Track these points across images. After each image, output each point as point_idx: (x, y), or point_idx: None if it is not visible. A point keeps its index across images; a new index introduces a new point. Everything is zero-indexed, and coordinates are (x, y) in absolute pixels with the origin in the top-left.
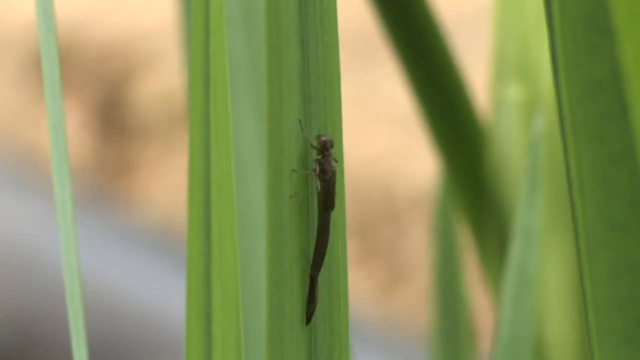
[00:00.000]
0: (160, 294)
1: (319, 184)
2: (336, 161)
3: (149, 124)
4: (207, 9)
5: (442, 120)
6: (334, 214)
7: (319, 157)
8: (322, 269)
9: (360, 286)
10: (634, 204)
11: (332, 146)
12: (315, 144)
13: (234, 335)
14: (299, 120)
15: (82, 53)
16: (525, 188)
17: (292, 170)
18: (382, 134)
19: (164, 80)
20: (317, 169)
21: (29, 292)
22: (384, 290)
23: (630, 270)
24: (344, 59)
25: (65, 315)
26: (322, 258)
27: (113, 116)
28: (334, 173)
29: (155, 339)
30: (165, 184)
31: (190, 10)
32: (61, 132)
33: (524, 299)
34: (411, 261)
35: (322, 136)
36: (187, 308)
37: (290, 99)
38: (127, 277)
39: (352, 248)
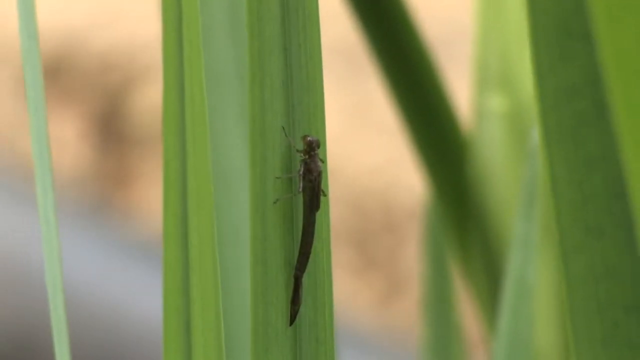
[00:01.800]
0: (158, 303)
1: (304, 184)
2: (322, 161)
3: (148, 135)
4: (180, 14)
5: (425, 131)
6: (318, 217)
7: (305, 157)
8: (306, 270)
9: (359, 296)
10: (609, 208)
11: (318, 146)
12: (301, 144)
13: (214, 343)
14: (283, 128)
15: (81, 64)
16: (523, 199)
17: (277, 177)
18: (381, 144)
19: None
20: (303, 169)
21: (28, 303)
22: (382, 300)
23: (607, 275)
24: (343, 69)
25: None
26: (307, 259)
27: (112, 127)
28: (319, 173)
29: (152, 350)
30: None
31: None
32: (44, 140)
33: (523, 309)
34: (410, 271)
35: (308, 136)
36: (164, 317)
37: (273, 107)
38: (125, 287)
39: (351, 258)
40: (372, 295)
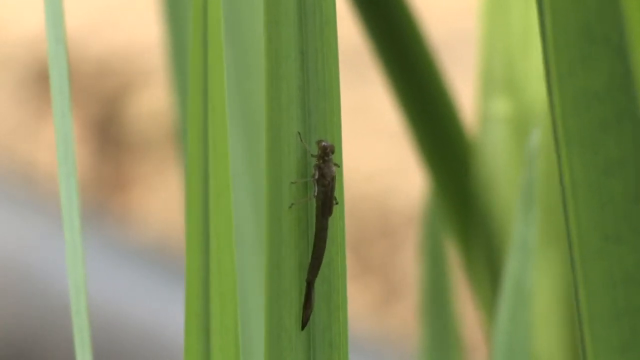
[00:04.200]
0: (156, 308)
1: (317, 189)
2: (337, 166)
3: (145, 140)
4: (205, 24)
5: (429, 136)
6: (331, 220)
7: (319, 162)
8: (319, 274)
9: (356, 301)
10: (628, 214)
11: (332, 151)
12: (315, 149)
13: (232, 348)
14: (298, 133)
15: (79, 69)
16: (522, 203)
17: (292, 182)
18: (378, 149)
19: (160, 96)
20: (317, 174)
21: (27, 309)
22: (379, 305)
23: (625, 281)
24: (341, 74)
25: (62, 331)
26: (319, 263)
27: (110, 132)
28: (333, 178)
29: (150, 353)
30: (161, 199)
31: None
32: (70, 147)
33: (521, 314)
34: (406, 276)
35: (323, 141)
36: (186, 321)
37: (290, 112)
38: (123, 292)
39: (348, 263)
40: (368, 300)
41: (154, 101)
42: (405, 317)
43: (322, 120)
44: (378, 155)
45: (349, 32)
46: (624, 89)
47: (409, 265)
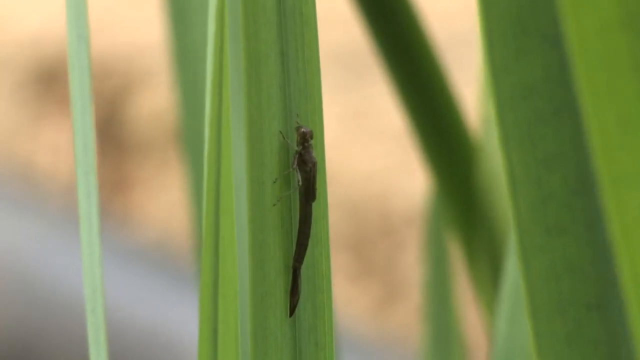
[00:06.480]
0: (155, 309)
1: (299, 175)
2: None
3: (146, 141)
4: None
5: (433, 136)
6: (317, 220)
7: (299, 148)
8: (304, 260)
9: (356, 302)
10: (569, 206)
11: (311, 137)
12: (295, 135)
13: (233, 348)
14: (280, 132)
15: None
16: None
17: (274, 181)
18: (378, 150)
19: (161, 97)
20: (297, 160)
21: (24, 308)
22: (380, 306)
23: (569, 272)
24: (340, 76)
25: (60, 330)
26: (304, 249)
27: (110, 133)
28: (314, 164)
29: (149, 353)
30: (161, 200)
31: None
32: (90, 148)
33: (520, 313)
34: (407, 277)
35: (302, 127)
36: (200, 326)
37: (270, 112)
38: (123, 293)
39: (348, 264)
40: (368, 301)
41: (155, 102)
42: (406, 318)
43: (304, 120)
44: (378, 156)
45: (350, 34)
46: (560, 82)
47: (410, 265)
